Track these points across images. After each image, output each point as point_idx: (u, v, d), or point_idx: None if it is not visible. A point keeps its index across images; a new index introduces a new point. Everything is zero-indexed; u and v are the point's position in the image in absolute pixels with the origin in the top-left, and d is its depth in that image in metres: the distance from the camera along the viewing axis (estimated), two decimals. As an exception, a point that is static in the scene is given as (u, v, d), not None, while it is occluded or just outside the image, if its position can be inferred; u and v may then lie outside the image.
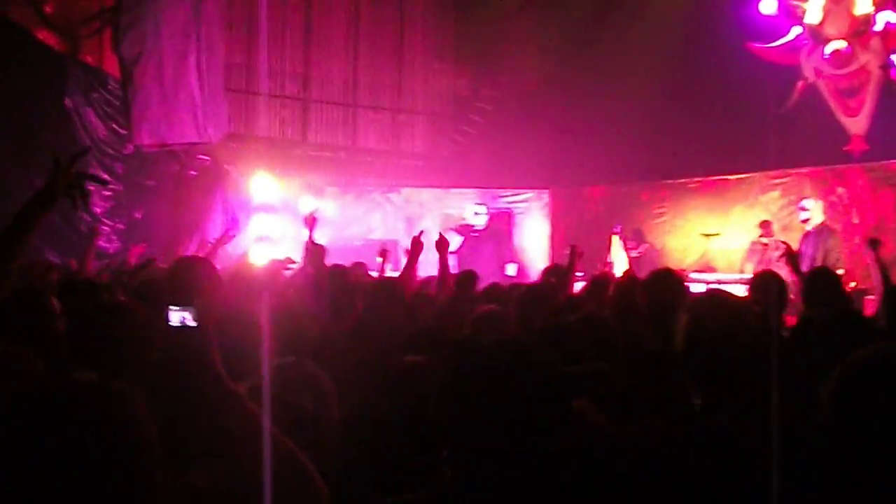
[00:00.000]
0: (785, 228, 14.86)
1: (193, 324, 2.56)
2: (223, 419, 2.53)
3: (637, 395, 3.55)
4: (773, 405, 2.85)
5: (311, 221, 7.71)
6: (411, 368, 3.79)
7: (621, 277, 7.10)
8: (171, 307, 2.58)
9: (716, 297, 3.38)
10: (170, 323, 2.56)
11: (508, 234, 17.06)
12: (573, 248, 8.31)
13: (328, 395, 3.94)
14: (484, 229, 15.11)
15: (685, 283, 5.18)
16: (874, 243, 7.26)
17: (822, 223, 12.94)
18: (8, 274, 3.88)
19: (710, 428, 2.84)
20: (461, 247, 14.46)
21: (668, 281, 4.98)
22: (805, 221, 13.02)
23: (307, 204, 16.54)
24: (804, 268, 11.65)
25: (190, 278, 4.61)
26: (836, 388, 2.42)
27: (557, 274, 8.71)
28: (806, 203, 13.22)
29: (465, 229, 15.22)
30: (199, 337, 2.55)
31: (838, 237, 12.97)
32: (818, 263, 11.75)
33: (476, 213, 15.26)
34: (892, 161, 14.34)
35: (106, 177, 13.40)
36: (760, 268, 12.73)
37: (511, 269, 14.35)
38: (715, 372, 3.12)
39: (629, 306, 5.26)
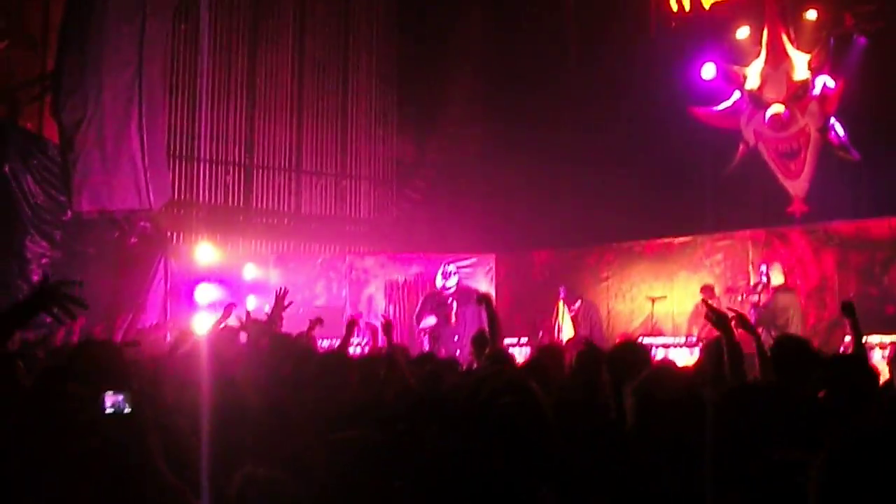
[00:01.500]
0: (728, 290, 14.91)
1: (128, 410, 2.41)
2: None
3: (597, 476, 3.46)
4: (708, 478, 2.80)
5: (227, 311, 7.67)
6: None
7: (581, 347, 6.96)
8: (105, 392, 2.45)
9: (661, 375, 3.30)
10: (105, 409, 2.42)
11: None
12: (482, 296, 8.06)
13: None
14: (455, 292, 14.62)
15: (648, 354, 5.11)
16: (848, 309, 7.19)
17: (781, 285, 12.94)
18: None
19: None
20: (437, 317, 14.18)
21: (633, 352, 4.90)
22: (765, 285, 13.03)
23: (250, 271, 16.35)
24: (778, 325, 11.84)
25: (123, 358, 4.44)
26: (822, 477, 2.34)
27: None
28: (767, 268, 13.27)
29: (435, 297, 14.80)
30: (135, 425, 2.40)
31: (794, 295, 12.98)
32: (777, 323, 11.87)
33: (447, 275, 14.77)
34: (832, 222, 14.49)
35: (45, 244, 13.22)
36: (706, 331, 12.83)
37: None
38: (665, 450, 3.07)
39: (593, 378, 5.16)
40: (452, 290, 14.60)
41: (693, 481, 2.97)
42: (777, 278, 13.07)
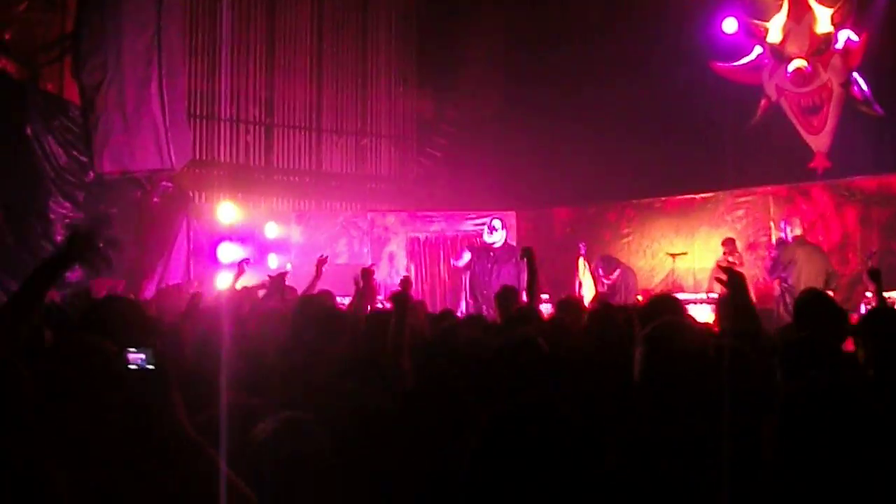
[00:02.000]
0: (750, 247, 14.94)
1: (151, 366, 2.45)
2: (181, 473, 2.43)
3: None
4: (724, 433, 2.81)
5: (240, 268, 7.70)
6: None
7: (594, 306, 6.97)
8: (128, 348, 2.47)
9: (671, 327, 3.30)
10: (128, 365, 2.45)
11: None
12: (526, 250, 7.92)
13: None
14: (500, 248, 14.05)
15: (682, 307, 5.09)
16: (874, 275, 7.25)
17: (796, 238, 12.82)
18: (19, 337, 3.76)
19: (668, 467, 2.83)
20: (473, 266, 13.90)
21: (665, 305, 4.90)
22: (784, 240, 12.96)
23: (272, 230, 16.42)
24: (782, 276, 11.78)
25: (146, 315, 4.46)
26: (775, 429, 2.39)
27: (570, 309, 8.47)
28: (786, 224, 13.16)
29: (480, 247, 14.39)
30: (158, 381, 2.44)
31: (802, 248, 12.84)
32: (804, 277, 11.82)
33: (493, 230, 14.18)
34: (854, 177, 14.42)
35: (68, 204, 13.32)
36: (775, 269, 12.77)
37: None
38: (673, 403, 3.07)
39: (606, 336, 5.18)
40: (498, 244, 14.12)
41: (701, 431, 2.98)
42: (796, 233, 12.89)
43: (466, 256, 14.14)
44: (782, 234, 13.27)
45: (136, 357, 2.44)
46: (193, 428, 2.48)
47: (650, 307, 5.09)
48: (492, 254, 13.89)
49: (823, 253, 12.94)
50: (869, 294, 10.95)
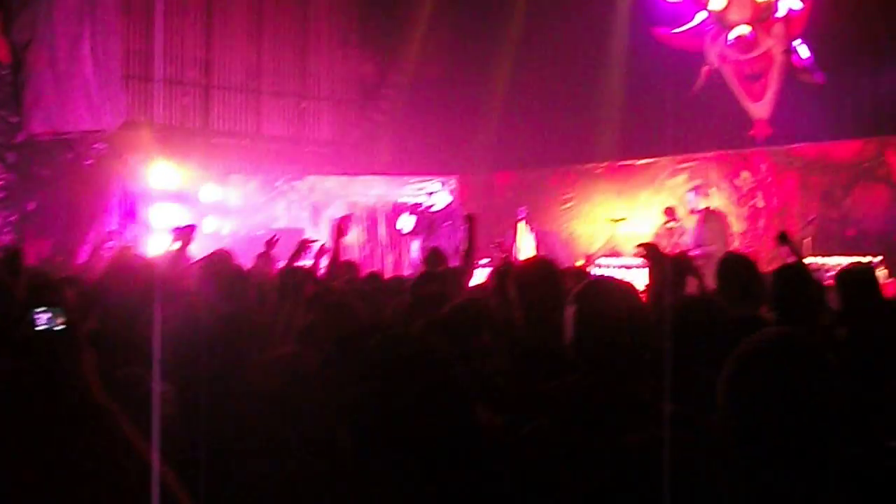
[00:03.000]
0: (691, 213, 14.93)
1: (61, 326, 2.33)
2: (86, 439, 2.30)
3: (532, 395, 3.42)
4: (665, 393, 2.83)
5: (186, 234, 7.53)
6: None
7: (498, 264, 6.97)
8: (36, 309, 2.35)
9: (603, 285, 3.30)
10: (36, 326, 2.33)
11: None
12: (469, 216, 7.98)
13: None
14: (442, 211, 14.06)
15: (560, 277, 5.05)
16: (783, 238, 7.31)
17: (706, 208, 13.03)
18: None
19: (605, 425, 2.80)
20: (420, 232, 13.79)
21: (543, 273, 4.83)
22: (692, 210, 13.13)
23: (208, 193, 16.18)
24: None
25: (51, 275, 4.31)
26: (728, 379, 2.36)
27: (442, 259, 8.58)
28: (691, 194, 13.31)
29: (423, 212, 14.32)
30: (67, 341, 2.32)
31: (721, 221, 13.02)
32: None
33: (431, 193, 14.14)
34: (794, 145, 14.52)
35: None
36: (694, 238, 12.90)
37: None
38: (607, 361, 3.05)
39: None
40: (437, 207, 14.13)
41: (636, 394, 2.99)
42: (702, 203, 13.09)
43: (411, 221, 14.05)
44: (691, 205, 13.30)
45: (43, 317, 2.33)
46: (112, 383, 2.39)
47: (525, 269, 5.04)
48: (434, 217, 13.80)
49: (725, 222, 13.23)
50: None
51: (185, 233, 7.51)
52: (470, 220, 7.88)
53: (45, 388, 2.33)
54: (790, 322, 4.64)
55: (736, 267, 5.51)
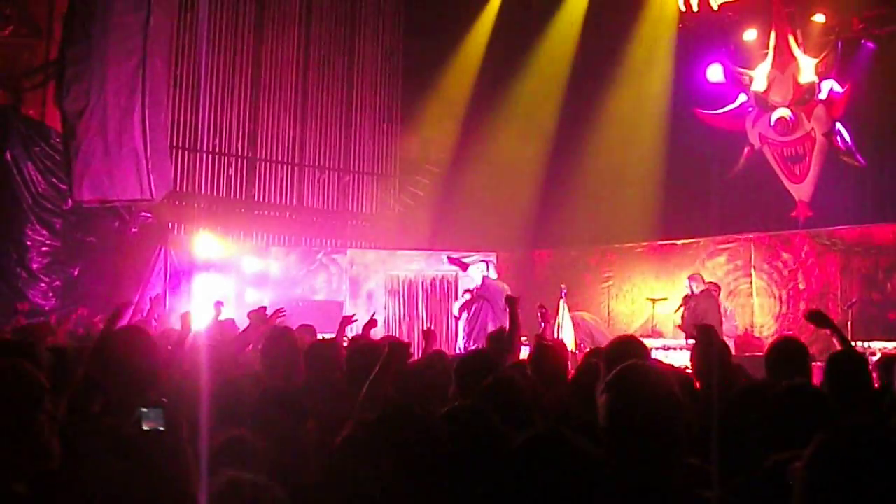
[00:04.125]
0: (731, 294, 14.91)
1: (163, 427, 2.31)
2: None
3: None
4: (715, 477, 2.79)
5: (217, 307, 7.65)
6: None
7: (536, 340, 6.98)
8: (142, 408, 2.32)
9: (636, 372, 3.16)
10: (143, 425, 2.30)
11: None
12: (510, 298, 8.00)
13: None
14: (480, 288, 13.53)
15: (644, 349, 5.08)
16: (815, 318, 7.20)
17: (702, 290, 13.48)
18: None
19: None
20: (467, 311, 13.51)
21: (629, 347, 4.86)
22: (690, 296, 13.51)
23: (250, 264, 16.30)
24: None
25: (149, 359, 4.18)
26: (811, 469, 2.32)
27: (501, 339, 8.55)
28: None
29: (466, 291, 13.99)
30: (172, 442, 2.31)
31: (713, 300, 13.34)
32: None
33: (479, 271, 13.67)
34: (836, 227, 14.45)
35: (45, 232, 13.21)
36: (685, 320, 13.10)
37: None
38: (639, 451, 2.96)
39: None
40: (475, 284, 13.62)
41: (671, 479, 2.94)
42: (699, 288, 13.54)
43: (463, 298, 13.98)
44: (689, 291, 13.62)
45: (150, 416, 2.31)
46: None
47: (613, 351, 5.04)
48: (474, 295, 13.68)
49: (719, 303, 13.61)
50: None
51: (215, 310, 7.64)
52: (512, 302, 7.88)
53: (155, 489, 2.34)
54: (849, 409, 4.59)
55: (790, 352, 5.54)
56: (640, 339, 5.39)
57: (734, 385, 5.45)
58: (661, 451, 2.94)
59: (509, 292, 13.05)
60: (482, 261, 14.26)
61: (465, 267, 13.71)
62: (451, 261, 14.94)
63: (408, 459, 3.01)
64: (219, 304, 8.50)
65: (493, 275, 13.87)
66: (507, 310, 7.92)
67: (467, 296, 13.73)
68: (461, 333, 13.85)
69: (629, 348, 4.87)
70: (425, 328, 7.32)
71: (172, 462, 2.29)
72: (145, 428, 2.28)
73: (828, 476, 2.28)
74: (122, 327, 5.96)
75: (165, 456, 2.29)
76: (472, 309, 13.50)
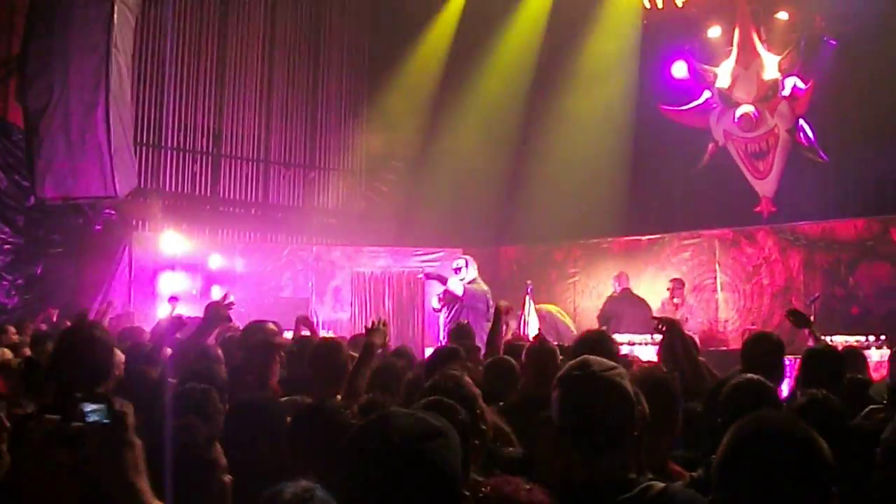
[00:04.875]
0: (696, 289, 15.01)
1: (107, 420, 2.27)
2: None
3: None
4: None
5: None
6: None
7: (532, 342, 7.00)
8: (83, 402, 2.28)
9: (584, 368, 3.10)
10: (87, 419, 2.26)
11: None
12: (497, 308, 8.06)
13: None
14: (465, 295, 13.50)
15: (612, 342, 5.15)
16: (794, 316, 7.48)
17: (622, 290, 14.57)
18: None
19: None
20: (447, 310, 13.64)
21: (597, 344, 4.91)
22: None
23: (216, 261, 16.23)
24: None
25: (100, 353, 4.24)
26: (722, 460, 2.42)
27: (465, 335, 8.64)
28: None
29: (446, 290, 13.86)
30: (114, 438, 2.26)
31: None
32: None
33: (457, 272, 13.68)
34: (799, 223, 14.57)
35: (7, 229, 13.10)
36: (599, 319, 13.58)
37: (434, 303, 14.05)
38: (590, 443, 2.98)
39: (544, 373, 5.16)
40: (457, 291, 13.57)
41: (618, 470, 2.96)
42: (623, 286, 14.61)
43: (435, 299, 14.01)
44: (614, 289, 14.64)
45: (91, 410, 2.27)
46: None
47: (579, 346, 5.09)
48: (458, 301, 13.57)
49: (647, 304, 14.19)
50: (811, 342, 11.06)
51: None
52: (499, 311, 7.96)
53: (90, 484, 2.33)
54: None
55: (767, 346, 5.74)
56: (608, 334, 5.45)
57: (703, 378, 5.58)
58: (608, 446, 2.95)
59: (490, 295, 13.19)
60: (461, 257, 14.26)
61: (444, 281, 13.67)
62: (428, 276, 14.90)
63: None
64: (173, 299, 8.47)
65: (472, 272, 13.87)
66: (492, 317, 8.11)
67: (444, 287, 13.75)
68: (441, 330, 13.91)
69: (595, 345, 4.91)
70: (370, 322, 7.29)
71: (117, 455, 2.26)
72: (89, 420, 2.26)
73: (736, 468, 2.34)
74: (80, 324, 5.96)
75: (109, 449, 2.26)
76: (453, 310, 13.55)
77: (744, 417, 2.48)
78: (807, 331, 7.45)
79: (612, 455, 2.94)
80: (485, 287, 13.68)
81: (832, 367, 5.60)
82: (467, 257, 14.17)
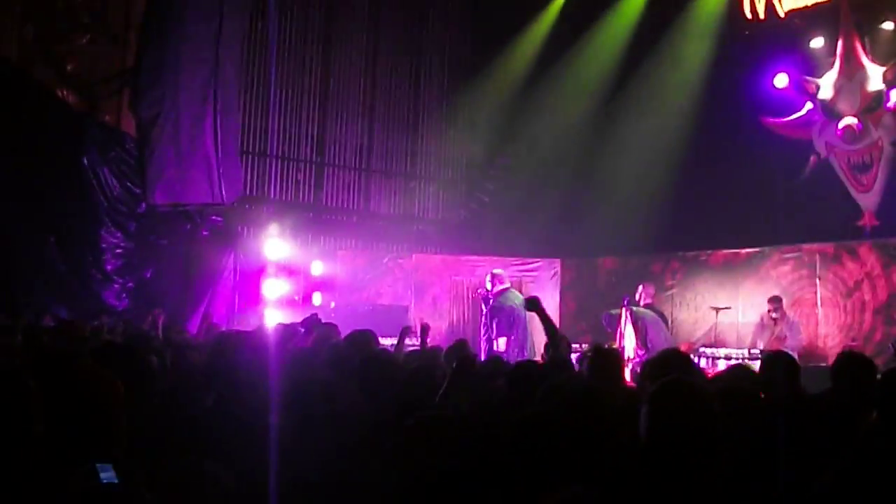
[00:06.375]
0: (796, 303, 14.80)
1: (116, 480, 2.29)
2: None
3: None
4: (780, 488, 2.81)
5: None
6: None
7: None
8: (96, 463, 2.29)
9: (679, 387, 3.19)
10: (100, 479, 2.28)
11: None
12: (528, 300, 8.13)
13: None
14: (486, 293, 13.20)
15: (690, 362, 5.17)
16: None
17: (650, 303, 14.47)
18: None
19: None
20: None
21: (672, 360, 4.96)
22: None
23: (318, 268, 16.56)
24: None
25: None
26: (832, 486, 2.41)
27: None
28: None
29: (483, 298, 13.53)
30: (128, 496, 2.29)
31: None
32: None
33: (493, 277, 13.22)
34: (903, 237, 14.30)
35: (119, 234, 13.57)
36: (769, 344, 12.98)
37: (501, 344, 12.63)
38: (678, 464, 3.01)
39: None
40: (483, 291, 13.35)
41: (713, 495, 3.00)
42: (646, 301, 14.54)
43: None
44: (638, 299, 14.47)
45: (103, 472, 2.28)
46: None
47: (656, 364, 5.13)
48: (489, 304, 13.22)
49: (665, 320, 14.27)
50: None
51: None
52: (534, 305, 7.85)
53: None
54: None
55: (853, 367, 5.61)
56: (685, 352, 5.47)
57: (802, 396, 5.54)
58: (698, 464, 2.98)
59: (518, 308, 12.56)
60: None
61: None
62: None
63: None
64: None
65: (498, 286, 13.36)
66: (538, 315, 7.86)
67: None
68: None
69: (672, 361, 4.98)
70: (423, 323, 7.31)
71: None
72: (103, 482, 2.29)
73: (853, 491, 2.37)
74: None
75: None
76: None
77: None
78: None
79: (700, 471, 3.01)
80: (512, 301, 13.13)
81: None
82: (493, 271, 13.69)
